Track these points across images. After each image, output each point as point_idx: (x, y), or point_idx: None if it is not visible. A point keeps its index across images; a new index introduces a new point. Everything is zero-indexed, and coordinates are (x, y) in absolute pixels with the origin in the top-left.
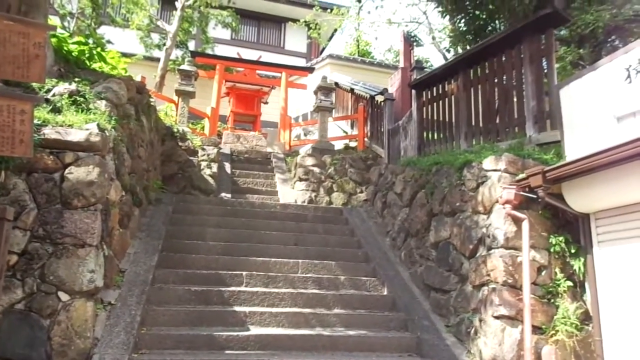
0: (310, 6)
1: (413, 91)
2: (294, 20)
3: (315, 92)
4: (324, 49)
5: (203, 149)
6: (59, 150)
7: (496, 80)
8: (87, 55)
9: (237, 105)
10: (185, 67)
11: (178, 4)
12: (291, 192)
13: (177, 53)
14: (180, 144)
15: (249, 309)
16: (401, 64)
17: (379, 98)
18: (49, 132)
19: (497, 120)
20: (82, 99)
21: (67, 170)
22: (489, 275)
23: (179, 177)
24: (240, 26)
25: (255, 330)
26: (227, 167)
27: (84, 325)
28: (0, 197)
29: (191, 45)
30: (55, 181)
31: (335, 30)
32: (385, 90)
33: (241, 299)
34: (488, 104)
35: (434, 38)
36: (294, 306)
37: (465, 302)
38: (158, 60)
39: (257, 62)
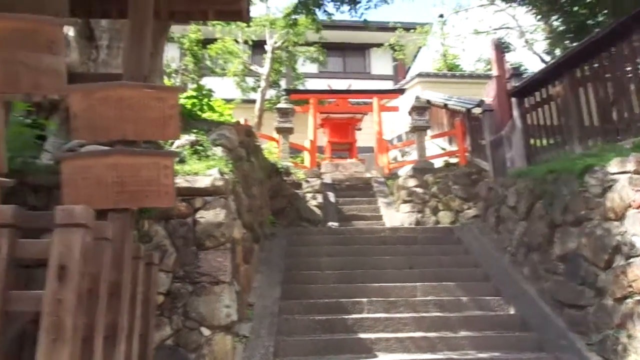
0: (393, 29)
1: (513, 99)
2: (378, 45)
3: (410, 113)
4: (409, 68)
5: (307, 181)
6: (189, 197)
7: (609, 76)
8: (197, 107)
9: (332, 134)
10: (282, 105)
11: (268, 47)
12: (396, 215)
13: (270, 93)
14: (285, 178)
15: (374, 336)
16: (494, 73)
17: (476, 110)
18: (179, 181)
19: (615, 118)
20: (201, 148)
21: (197, 215)
22: (631, 286)
23: (288, 211)
24: (326, 58)
25: (383, 356)
26: (331, 196)
27: (225, 358)
28: (145, 244)
29: (282, 83)
30: (189, 225)
31: (420, 48)
32: (482, 101)
33: (365, 325)
34: (602, 103)
35: (527, 42)
36: (418, 330)
37: (606, 317)
38: (254, 102)
39: (348, 91)
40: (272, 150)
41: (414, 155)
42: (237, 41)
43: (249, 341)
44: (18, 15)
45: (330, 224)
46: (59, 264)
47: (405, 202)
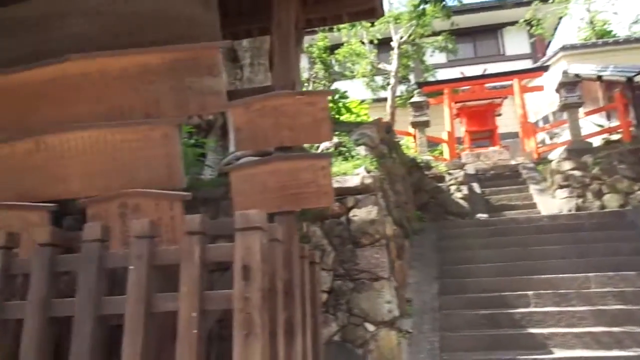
0: (528, 3)
1: None
2: (512, 24)
3: (557, 90)
4: (549, 43)
5: (449, 174)
6: (341, 197)
7: None
8: (334, 110)
9: (470, 124)
10: (416, 99)
11: (394, 43)
12: (552, 202)
13: (400, 89)
14: (426, 172)
15: (546, 331)
16: None
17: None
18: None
19: None
20: (344, 149)
21: (351, 213)
22: None
23: (431, 205)
24: (456, 45)
25: (560, 353)
26: (476, 187)
27: (392, 353)
28: (304, 244)
29: (411, 78)
30: (344, 224)
31: (561, 19)
32: None
33: (534, 320)
34: None
35: None
36: (598, 325)
37: None
38: (384, 100)
39: (484, 76)
40: (409, 145)
41: (565, 136)
42: (362, 42)
43: (412, 337)
44: (180, 45)
45: (478, 215)
46: (243, 264)
47: (561, 187)
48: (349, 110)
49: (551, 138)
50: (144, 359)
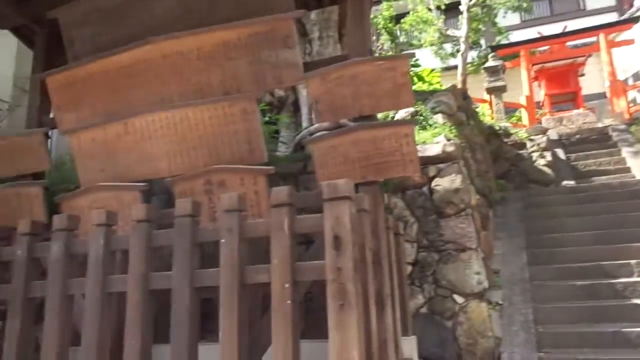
0: None
1: None
2: None
3: None
4: None
5: (530, 140)
6: (422, 166)
7: None
8: None
9: (550, 86)
10: (491, 63)
11: (462, 7)
12: None
13: (471, 55)
14: (505, 140)
15: None
16: None
17: None
18: None
19: None
20: (421, 117)
21: (433, 183)
22: None
23: (513, 173)
24: (531, 3)
25: None
26: (560, 153)
27: (483, 325)
28: (388, 215)
29: (482, 43)
30: (426, 194)
31: None
32: None
33: (639, 290)
34: None
35: None
36: None
37: None
38: (454, 68)
39: (566, 34)
40: (485, 113)
41: None
42: (429, 9)
43: (503, 309)
44: (255, 19)
45: (565, 182)
46: (333, 234)
47: None
48: (421, 78)
49: None
50: (240, 330)
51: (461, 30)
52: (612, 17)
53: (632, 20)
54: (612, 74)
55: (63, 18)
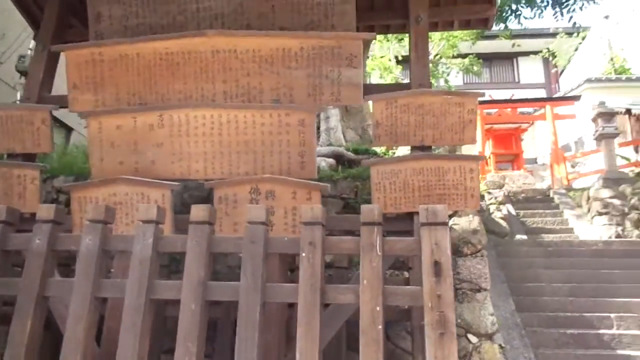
0: (544, 35)
1: None
2: (528, 54)
3: (594, 120)
4: (562, 71)
5: (489, 193)
6: None
7: None
8: None
9: (496, 146)
10: None
11: None
12: (590, 228)
13: None
14: None
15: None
16: None
17: None
18: None
19: None
20: None
21: (451, 222)
22: None
23: None
24: (481, 68)
25: None
26: (511, 208)
27: None
28: None
29: None
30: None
31: (576, 50)
32: None
33: (623, 342)
34: None
35: None
36: None
37: None
38: None
39: (519, 100)
40: None
41: (589, 167)
42: (389, 59)
43: (506, 351)
44: (323, 33)
45: (518, 236)
46: (433, 260)
47: (600, 214)
48: None
49: (572, 167)
50: (320, 350)
51: None
52: (542, 92)
53: (574, 98)
54: (555, 142)
55: None
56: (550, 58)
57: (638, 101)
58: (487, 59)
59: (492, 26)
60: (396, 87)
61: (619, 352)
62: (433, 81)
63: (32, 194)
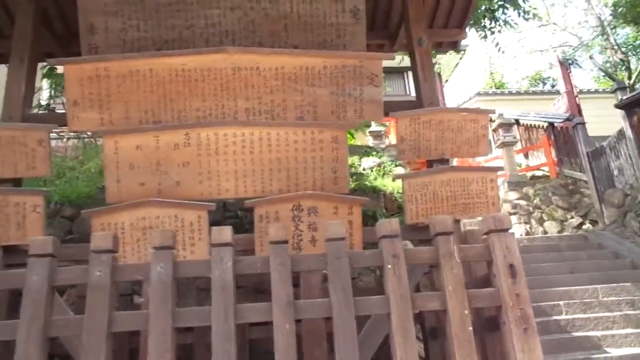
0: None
1: (621, 111)
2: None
3: (495, 130)
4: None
5: None
6: None
7: None
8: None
9: None
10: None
11: None
12: None
13: None
14: None
15: (600, 333)
16: (562, 89)
17: (560, 124)
18: None
19: None
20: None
21: None
22: None
23: None
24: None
25: (614, 351)
26: None
27: None
28: None
29: None
30: None
31: (457, 64)
32: (573, 116)
33: (577, 325)
34: None
35: (591, 57)
36: (627, 328)
37: None
38: None
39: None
40: None
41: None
42: None
43: None
44: (348, 52)
45: None
46: (507, 263)
47: (510, 214)
48: (352, 135)
49: None
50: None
51: None
52: None
53: (488, 111)
54: None
55: (83, 1)
56: (440, 72)
57: (525, 112)
58: (386, 72)
59: (460, 50)
60: (407, 104)
61: (579, 333)
62: None
63: (34, 223)
